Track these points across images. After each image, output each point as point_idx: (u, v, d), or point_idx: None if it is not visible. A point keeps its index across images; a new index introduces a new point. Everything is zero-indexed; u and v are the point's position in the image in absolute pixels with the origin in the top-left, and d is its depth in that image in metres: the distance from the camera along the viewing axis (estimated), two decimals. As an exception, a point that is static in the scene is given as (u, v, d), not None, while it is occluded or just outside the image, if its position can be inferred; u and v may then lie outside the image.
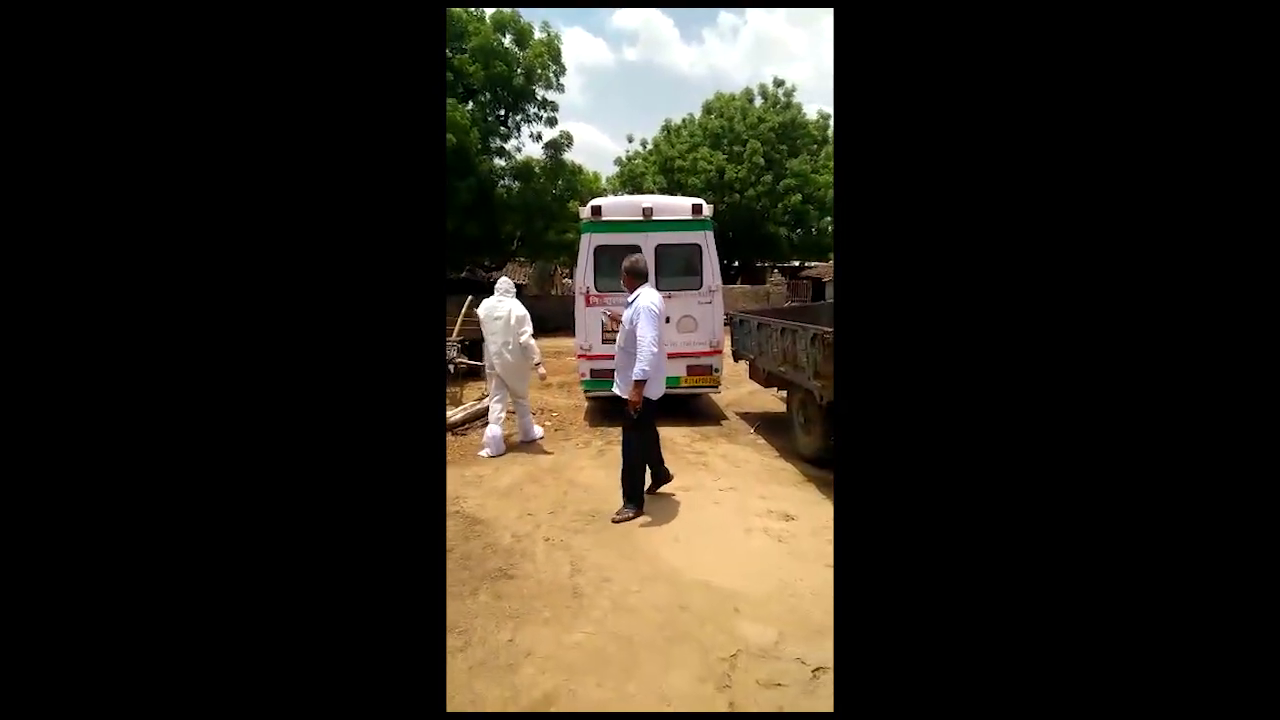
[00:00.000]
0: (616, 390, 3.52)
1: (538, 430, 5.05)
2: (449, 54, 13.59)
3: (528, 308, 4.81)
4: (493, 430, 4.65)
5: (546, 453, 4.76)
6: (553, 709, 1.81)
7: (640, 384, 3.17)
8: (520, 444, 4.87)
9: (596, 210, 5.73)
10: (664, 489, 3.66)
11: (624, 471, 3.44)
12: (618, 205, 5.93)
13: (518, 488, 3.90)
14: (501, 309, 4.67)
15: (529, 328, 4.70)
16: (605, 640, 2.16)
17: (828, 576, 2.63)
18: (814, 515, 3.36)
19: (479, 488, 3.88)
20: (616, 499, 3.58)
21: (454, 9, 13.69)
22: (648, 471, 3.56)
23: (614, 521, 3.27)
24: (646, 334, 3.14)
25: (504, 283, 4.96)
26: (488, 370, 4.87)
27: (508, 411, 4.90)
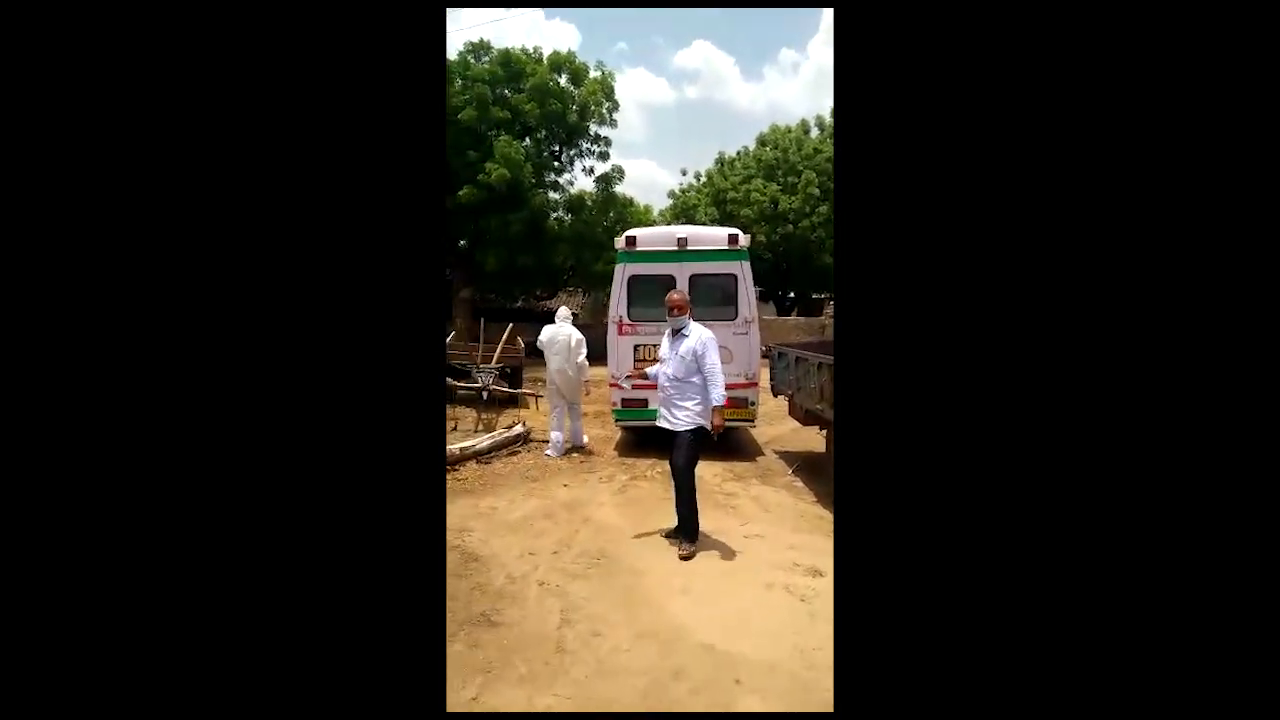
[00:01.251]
0: (663, 423, 3.39)
1: (585, 437, 5.80)
2: (508, 94, 14.21)
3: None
4: (555, 435, 5.45)
5: (565, 486, 4.57)
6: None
7: (719, 409, 3.21)
8: (572, 448, 5.53)
9: (631, 240, 5.63)
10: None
11: (680, 501, 3.30)
12: (653, 236, 5.81)
13: (528, 523, 3.71)
14: (562, 334, 5.43)
15: (585, 350, 5.45)
16: (580, 706, 1.90)
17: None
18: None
19: (489, 520, 3.72)
20: (628, 540, 3.33)
21: (510, 49, 14.36)
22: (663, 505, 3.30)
23: (681, 559, 3.14)
24: (719, 364, 3.28)
25: (563, 311, 5.77)
26: (549, 386, 5.59)
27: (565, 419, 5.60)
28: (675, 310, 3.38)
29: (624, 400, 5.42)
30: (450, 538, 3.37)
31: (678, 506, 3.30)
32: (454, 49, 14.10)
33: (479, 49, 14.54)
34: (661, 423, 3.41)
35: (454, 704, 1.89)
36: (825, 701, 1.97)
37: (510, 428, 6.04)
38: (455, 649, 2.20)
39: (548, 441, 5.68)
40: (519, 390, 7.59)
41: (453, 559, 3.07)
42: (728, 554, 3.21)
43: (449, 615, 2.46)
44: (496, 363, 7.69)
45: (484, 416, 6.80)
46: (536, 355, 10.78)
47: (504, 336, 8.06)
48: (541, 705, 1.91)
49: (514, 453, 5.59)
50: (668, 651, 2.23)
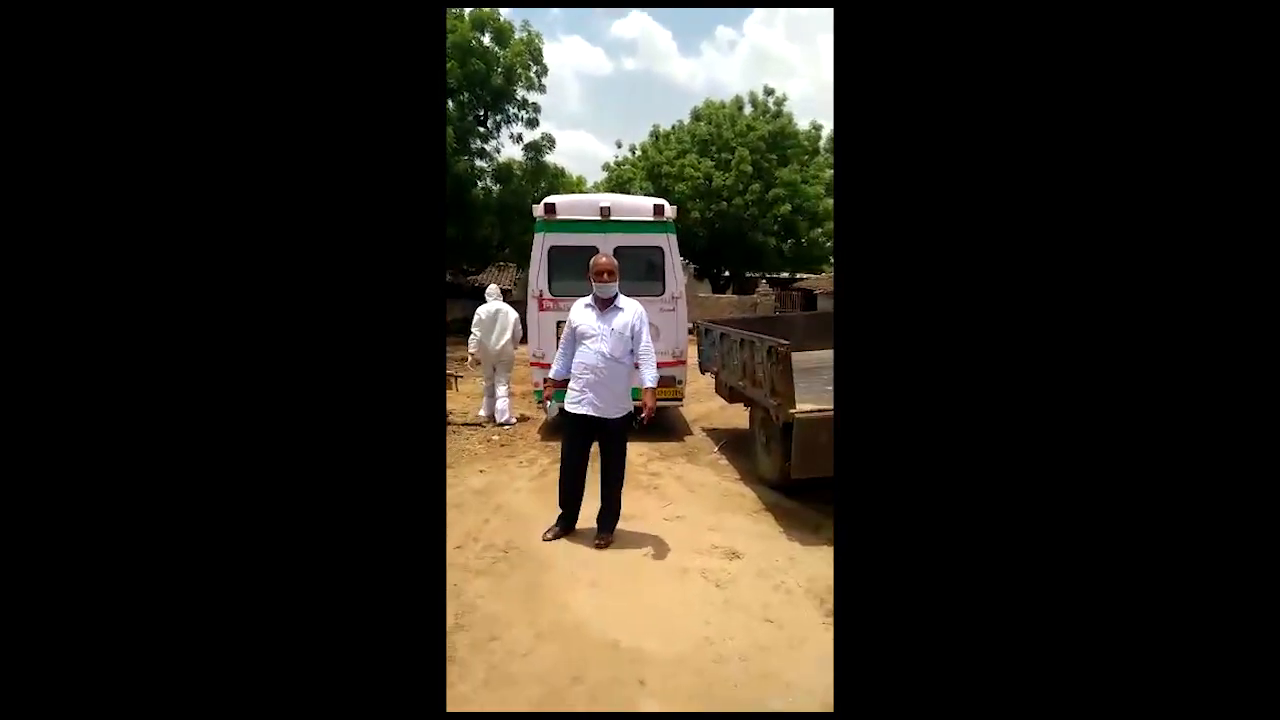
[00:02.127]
0: (588, 409, 2.92)
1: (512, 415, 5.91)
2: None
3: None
4: (502, 403, 5.73)
5: (481, 471, 4.31)
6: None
7: (653, 390, 2.98)
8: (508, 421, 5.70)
9: (550, 208, 5.31)
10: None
11: (615, 494, 3.05)
12: (574, 204, 5.52)
13: (461, 503, 3.44)
14: (499, 311, 5.67)
15: (521, 330, 5.67)
16: (464, 726, 1.71)
17: (762, 635, 2.20)
18: (763, 553, 2.92)
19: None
20: (539, 527, 3.14)
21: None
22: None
23: (597, 547, 2.95)
24: (652, 342, 3.08)
25: (493, 289, 5.95)
26: (484, 362, 5.77)
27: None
28: (605, 276, 2.94)
29: (547, 380, 5.18)
30: (341, 535, 3.06)
31: (604, 496, 3.04)
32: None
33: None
34: (584, 409, 2.91)
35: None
36: (729, 696, 1.87)
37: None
38: (324, 667, 1.94)
39: (467, 425, 5.52)
40: (449, 372, 7.15)
41: (340, 560, 2.78)
42: (644, 540, 3.07)
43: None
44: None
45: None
46: (456, 334, 10.30)
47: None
48: (418, 728, 1.69)
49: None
50: (568, 653, 2.07)
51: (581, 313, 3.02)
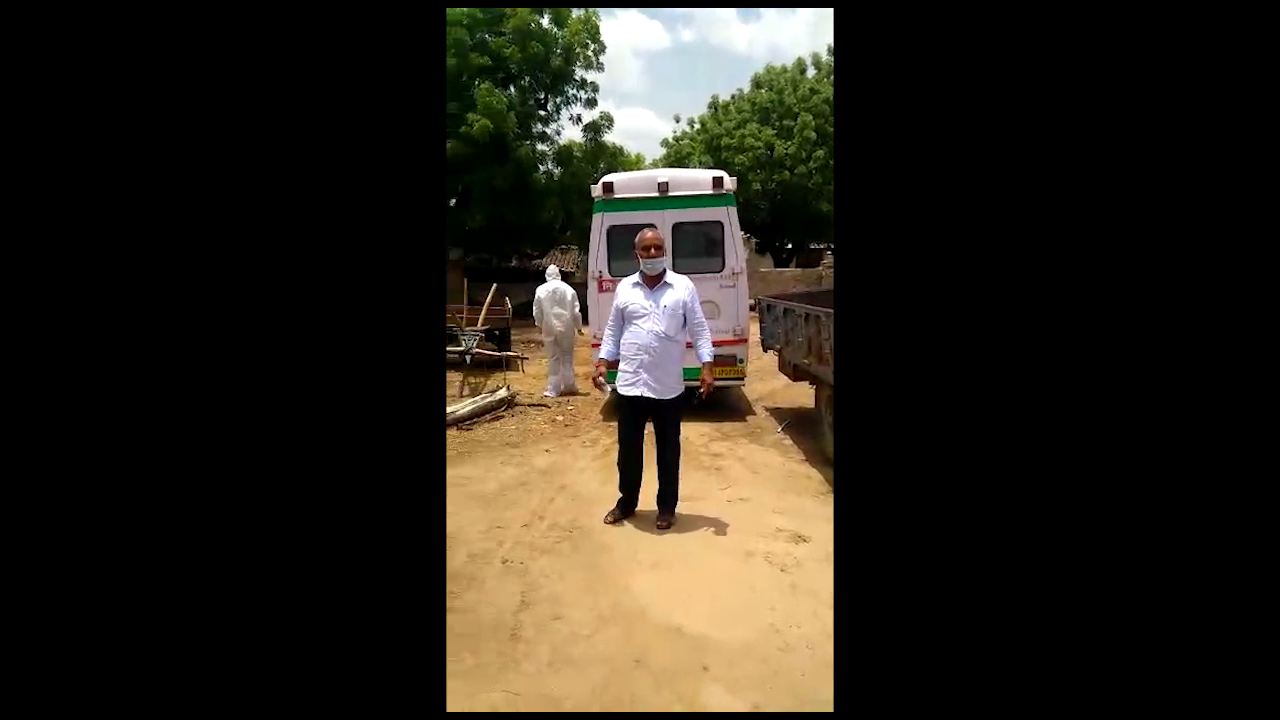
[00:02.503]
0: (644, 390, 2.84)
1: (576, 382, 6.52)
2: (487, 38, 13.38)
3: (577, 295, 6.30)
4: (553, 378, 6.34)
5: (547, 451, 4.40)
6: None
7: (710, 365, 2.93)
8: (566, 390, 6.30)
9: (608, 187, 5.26)
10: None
11: (673, 475, 3.00)
12: (632, 181, 5.43)
13: (502, 493, 3.55)
14: (555, 290, 6.23)
15: (578, 304, 6.26)
16: (529, 703, 1.75)
17: (830, 621, 2.11)
18: (831, 537, 2.80)
19: (461, 492, 3.55)
20: (602, 508, 3.16)
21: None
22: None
23: (659, 528, 2.92)
24: (705, 319, 3.03)
25: (552, 270, 6.66)
26: (546, 338, 6.37)
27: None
28: (652, 251, 2.84)
29: (608, 363, 5.19)
30: (415, 513, 3.21)
31: (662, 478, 3.00)
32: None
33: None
34: (639, 390, 2.83)
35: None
36: (795, 686, 1.81)
37: (494, 391, 5.84)
38: (400, 640, 2.04)
39: (533, 405, 5.71)
40: (505, 353, 7.34)
41: (414, 536, 2.91)
42: (706, 522, 3.03)
43: (401, 600, 2.31)
44: (482, 325, 7.43)
45: (470, 380, 6.60)
46: (523, 316, 10.52)
47: (488, 298, 7.79)
48: (484, 702, 1.75)
49: (498, 417, 5.41)
50: (631, 636, 2.07)
51: (630, 292, 2.95)
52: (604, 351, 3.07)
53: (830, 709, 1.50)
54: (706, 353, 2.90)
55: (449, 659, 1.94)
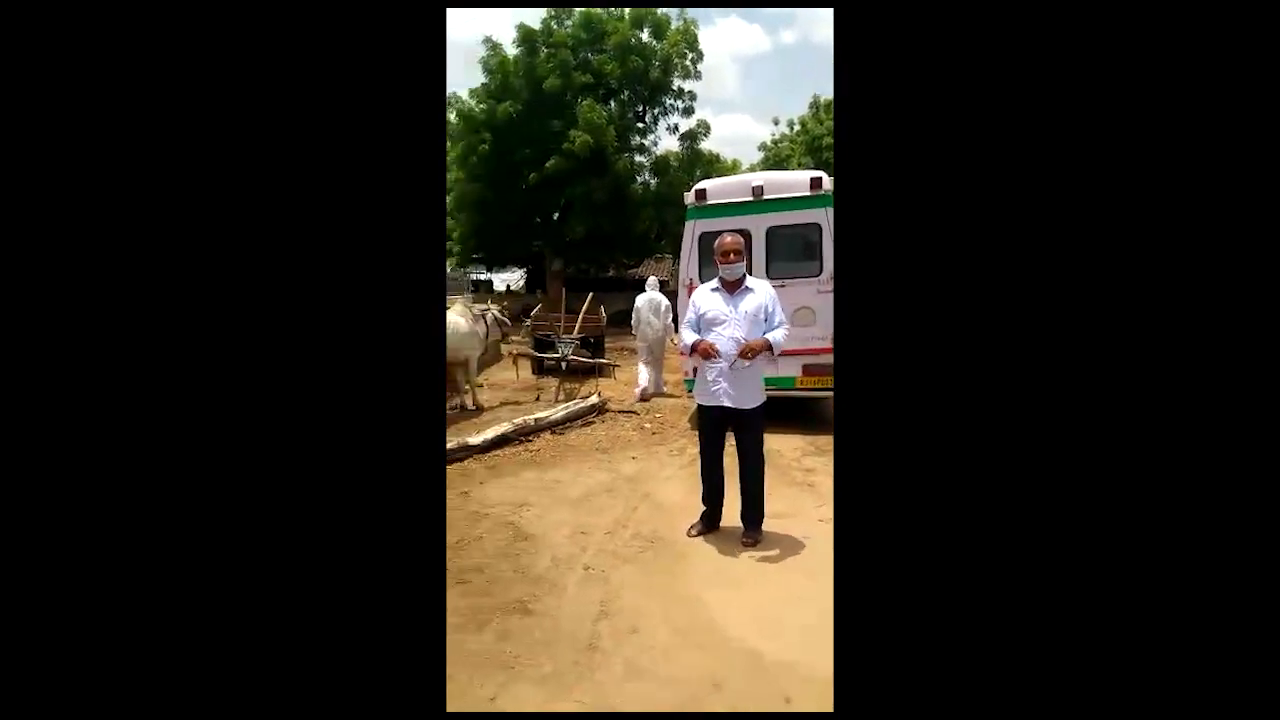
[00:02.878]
0: (725, 401, 2.73)
1: (665, 386, 6.92)
2: (590, 57, 13.90)
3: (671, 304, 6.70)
4: (643, 380, 6.71)
5: (634, 458, 4.40)
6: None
7: (767, 342, 2.69)
8: (654, 393, 6.68)
9: (701, 194, 5.21)
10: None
11: (757, 490, 2.85)
12: (725, 187, 5.34)
13: (589, 498, 3.59)
14: (652, 300, 6.72)
15: (671, 314, 6.64)
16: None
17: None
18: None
19: (550, 495, 3.64)
20: (685, 519, 3.09)
21: (592, 9, 13.95)
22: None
23: (744, 545, 2.78)
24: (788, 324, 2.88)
25: (652, 280, 7.21)
26: (640, 343, 6.82)
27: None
28: (731, 256, 2.71)
29: (696, 370, 5.13)
30: (506, 513, 3.32)
31: (745, 493, 2.86)
32: (537, 17, 13.95)
33: (561, 14, 14.28)
34: (719, 400, 2.73)
35: (473, 703, 1.78)
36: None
37: (586, 398, 5.97)
38: (484, 639, 2.10)
39: (623, 412, 5.81)
40: (599, 360, 7.49)
41: (503, 536, 3.01)
42: (795, 542, 2.86)
43: (489, 599, 2.38)
44: (578, 333, 7.65)
45: (565, 386, 6.81)
46: (617, 325, 10.66)
47: (584, 306, 8.02)
48: (558, 710, 1.74)
49: (588, 423, 5.52)
50: (709, 657, 1.98)
51: (708, 297, 2.83)
52: (688, 339, 2.91)
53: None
54: (774, 335, 2.71)
55: (528, 663, 1.97)
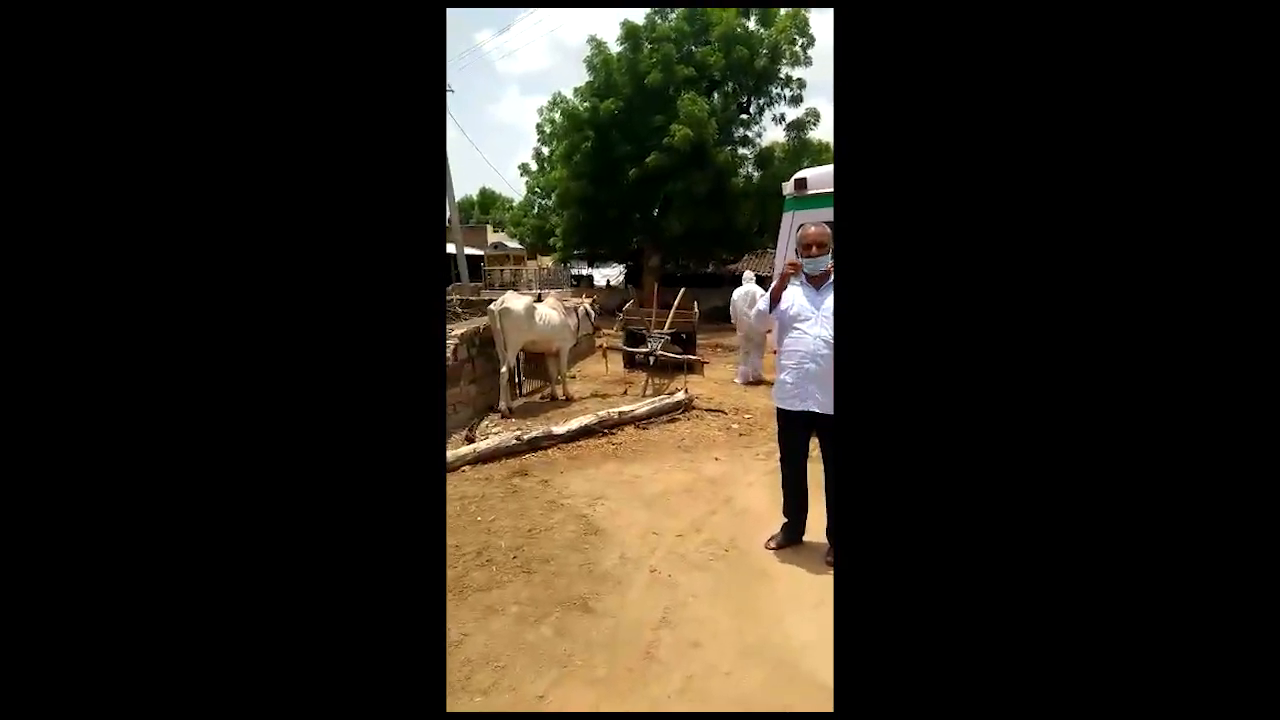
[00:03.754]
0: (810, 405, 2.49)
1: (763, 374, 6.94)
2: (694, 49, 13.72)
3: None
4: (743, 368, 7.12)
5: (717, 459, 4.24)
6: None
7: None
8: (756, 380, 6.88)
9: (801, 184, 4.90)
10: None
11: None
12: (827, 175, 4.97)
13: (665, 497, 3.48)
14: (748, 292, 7.03)
15: (765, 304, 6.56)
16: (653, 734, 1.61)
17: None
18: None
19: (627, 490, 3.59)
20: (765, 529, 2.89)
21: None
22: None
23: (828, 564, 2.56)
24: None
25: (749, 274, 7.61)
26: (739, 336, 7.30)
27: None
28: (814, 249, 2.47)
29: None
30: (581, 505, 3.31)
31: (832, 505, 2.55)
32: (641, 13, 14.01)
33: (665, 9, 14.23)
34: (807, 404, 2.48)
35: (520, 696, 1.75)
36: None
37: (672, 394, 5.87)
38: (542, 632, 2.07)
39: (710, 411, 5.65)
40: (688, 356, 7.36)
41: (575, 529, 2.99)
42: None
43: (550, 592, 2.36)
44: (669, 328, 7.58)
45: (654, 381, 6.76)
46: (713, 321, 10.43)
47: (676, 301, 7.92)
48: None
49: (673, 419, 5.41)
50: (776, 684, 1.80)
51: (791, 293, 2.59)
52: (764, 304, 2.72)
53: None
54: None
55: (582, 663, 1.90)
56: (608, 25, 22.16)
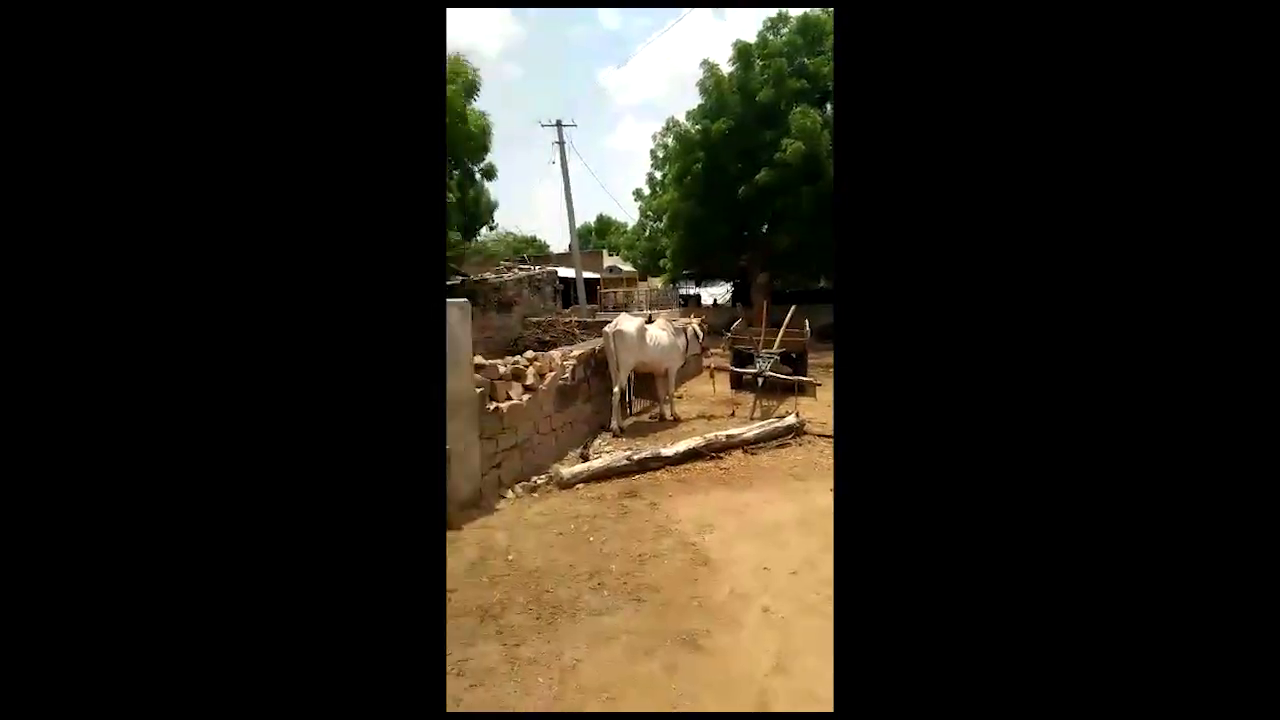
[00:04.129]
0: None
1: None
2: (806, 61, 13.41)
3: None
4: None
5: (831, 490, 4.00)
6: None
7: None
8: None
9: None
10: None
11: None
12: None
13: (778, 529, 3.35)
14: None
15: None
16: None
17: None
18: None
19: (737, 519, 3.49)
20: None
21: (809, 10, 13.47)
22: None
23: None
24: None
25: None
26: None
27: None
28: None
29: None
30: (690, 532, 3.27)
31: None
32: (752, 31, 13.97)
33: (777, 23, 14.08)
34: None
35: (631, 731, 1.74)
36: None
37: (783, 417, 5.67)
38: (651, 667, 2.05)
39: (823, 436, 5.37)
40: (799, 377, 7.07)
41: (684, 558, 2.95)
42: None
43: (660, 623, 2.34)
44: (778, 348, 7.35)
45: (762, 403, 6.58)
46: (824, 340, 10.02)
47: (786, 320, 7.67)
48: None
49: (783, 444, 5.22)
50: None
51: None
52: None
53: None
54: None
55: (692, 705, 1.86)
56: (720, 48, 22.31)
